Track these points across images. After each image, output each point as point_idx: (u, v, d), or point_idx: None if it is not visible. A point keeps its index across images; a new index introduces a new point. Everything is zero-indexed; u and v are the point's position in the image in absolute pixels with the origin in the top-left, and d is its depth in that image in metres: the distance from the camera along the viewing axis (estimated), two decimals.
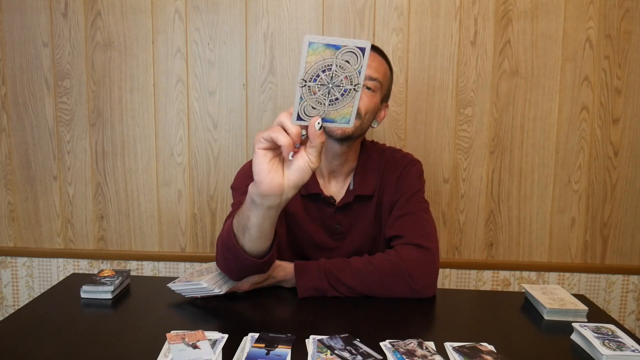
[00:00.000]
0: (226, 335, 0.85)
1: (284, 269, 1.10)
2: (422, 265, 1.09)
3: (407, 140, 1.66)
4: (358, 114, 1.13)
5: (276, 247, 0.98)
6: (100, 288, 1.04)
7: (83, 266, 1.77)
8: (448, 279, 1.72)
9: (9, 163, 1.72)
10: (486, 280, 1.71)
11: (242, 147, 1.68)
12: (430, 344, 0.84)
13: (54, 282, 1.68)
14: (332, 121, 0.75)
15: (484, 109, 1.63)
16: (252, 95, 1.66)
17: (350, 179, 1.24)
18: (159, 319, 0.97)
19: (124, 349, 0.84)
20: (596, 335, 0.85)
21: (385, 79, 1.20)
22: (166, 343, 0.82)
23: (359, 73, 0.71)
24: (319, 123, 0.74)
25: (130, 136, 1.69)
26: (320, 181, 1.23)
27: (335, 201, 1.22)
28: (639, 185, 1.65)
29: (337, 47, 0.68)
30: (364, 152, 1.26)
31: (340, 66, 0.70)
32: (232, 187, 1.25)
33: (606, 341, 0.83)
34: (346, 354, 0.79)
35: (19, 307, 1.28)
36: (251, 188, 0.83)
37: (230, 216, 1.03)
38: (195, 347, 0.79)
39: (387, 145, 1.34)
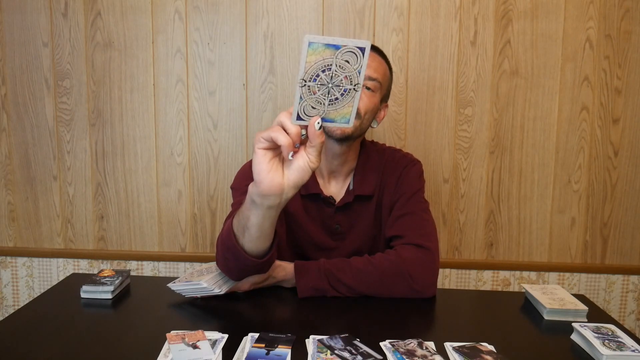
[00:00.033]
0: (226, 335, 0.85)
1: (284, 269, 1.10)
2: (422, 265, 1.09)
3: (407, 140, 1.66)
4: (358, 114, 1.13)
5: (276, 247, 0.98)
6: (100, 288, 1.04)
7: (83, 266, 1.77)
8: (448, 279, 1.72)
9: (9, 163, 1.72)
10: (486, 280, 1.71)
11: (242, 147, 1.68)
12: (430, 344, 0.84)
13: (54, 282, 1.68)
14: (331, 121, 0.75)
15: (484, 109, 1.63)
16: (252, 95, 1.66)
17: (350, 179, 1.24)
18: (159, 319, 0.97)
19: (124, 349, 0.84)
20: (596, 335, 0.85)
21: (384, 79, 1.20)
22: (166, 343, 0.82)
23: (359, 73, 0.71)
24: (318, 123, 0.74)
25: (130, 136, 1.69)
26: (320, 181, 1.23)
27: (335, 201, 1.22)
28: (639, 185, 1.65)
29: (337, 47, 0.68)
30: (364, 152, 1.26)
31: (340, 66, 0.70)
32: (232, 187, 1.25)
33: (606, 341, 0.83)
34: (346, 354, 0.79)
35: (19, 307, 1.28)
36: (251, 188, 0.83)
37: (230, 216, 1.03)
38: (195, 347, 0.79)
39: (387, 145, 1.34)
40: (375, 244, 1.24)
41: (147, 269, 1.75)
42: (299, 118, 0.73)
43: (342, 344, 0.83)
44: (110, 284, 1.05)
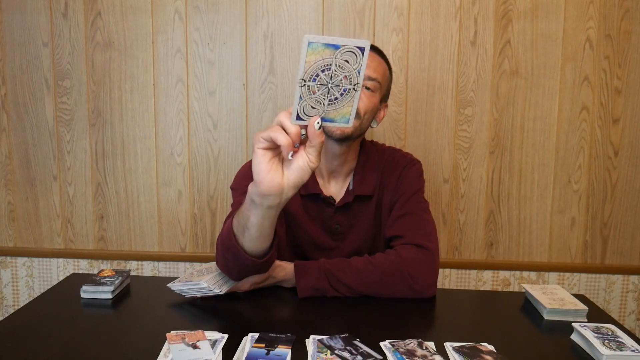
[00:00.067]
0: (226, 335, 0.85)
1: (284, 269, 1.10)
2: (422, 265, 1.09)
3: (407, 140, 1.66)
4: (357, 114, 1.13)
5: (276, 247, 0.98)
6: (100, 288, 1.04)
7: (83, 266, 1.77)
8: (448, 279, 1.72)
9: (9, 163, 1.72)
10: (486, 280, 1.71)
11: (242, 147, 1.68)
12: (430, 344, 0.84)
13: (54, 282, 1.68)
14: (331, 121, 0.75)
15: (484, 109, 1.63)
16: (252, 95, 1.66)
17: (349, 179, 1.24)
18: (159, 319, 0.97)
19: (124, 349, 0.84)
20: (596, 335, 0.85)
21: (384, 79, 1.20)
22: (166, 343, 0.82)
23: (359, 73, 0.71)
24: (318, 122, 0.74)
25: (130, 136, 1.69)
26: (320, 181, 1.23)
27: (334, 201, 1.22)
28: (639, 185, 1.65)
29: (336, 47, 0.68)
30: (364, 152, 1.26)
31: (339, 66, 0.70)
32: (231, 187, 1.25)
33: (606, 341, 0.83)
34: (346, 354, 0.79)
35: (19, 307, 1.28)
36: (251, 188, 0.83)
37: (230, 216, 1.03)
38: (195, 347, 0.79)
39: (387, 145, 1.34)
40: (375, 244, 1.24)
41: (147, 269, 1.76)
42: (298, 118, 0.73)
43: (342, 344, 0.83)
44: (110, 284, 1.05)
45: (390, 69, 1.24)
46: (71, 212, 1.73)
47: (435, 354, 0.80)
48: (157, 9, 1.64)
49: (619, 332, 0.87)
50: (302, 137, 0.76)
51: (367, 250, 1.22)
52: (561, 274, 1.70)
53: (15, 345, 0.84)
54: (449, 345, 0.84)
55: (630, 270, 1.68)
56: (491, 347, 0.83)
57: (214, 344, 0.81)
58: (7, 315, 1.13)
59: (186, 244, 1.73)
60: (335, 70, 0.70)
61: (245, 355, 0.78)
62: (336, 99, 0.73)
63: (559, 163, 1.65)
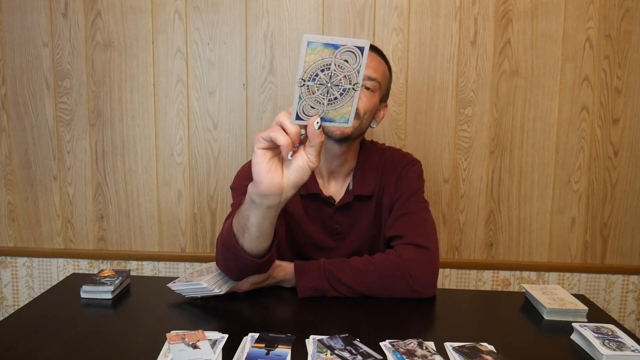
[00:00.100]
0: (226, 335, 0.85)
1: (284, 269, 1.10)
2: (422, 265, 1.09)
3: (407, 140, 1.66)
4: (357, 114, 1.13)
5: (276, 247, 0.98)
6: (100, 288, 1.04)
7: (83, 266, 1.77)
8: (448, 279, 1.72)
9: (9, 163, 1.73)
10: (486, 280, 1.71)
11: (242, 147, 1.68)
12: (430, 344, 0.84)
13: (54, 282, 1.68)
14: (331, 120, 0.75)
15: (484, 109, 1.63)
16: (252, 95, 1.66)
17: (349, 179, 1.24)
18: (159, 319, 0.97)
19: (124, 349, 0.84)
20: (596, 335, 0.85)
21: (384, 79, 1.20)
22: (166, 343, 0.82)
23: (358, 72, 0.71)
24: (317, 122, 0.74)
25: (130, 136, 1.69)
26: (320, 181, 1.23)
27: (334, 201, 1.22)
28: (639, 185, 1.65)
29: (335, 47, 0.68)
30: (363, 152, 1.26)
31: (339, 65, 0.70)
32: (231, 188, 1.25)
33: (606, 341, 0.83)
34: (346, 354, 0.79)
35: (19, 307, 1.28)
36: (250, 188, 0.83)
37: (230, 216, 1.03)
38: (195, 347, 0.79)
39: (387, 145, 1.34)
40: (375, 244, 1.24)
41: (147, 269, 1.76)
42: (298, 118, 0.73)
43: (342, 344, 0.83)
44: (110, 284, 1.05)
45: (389, 69, 1.24)
46: (71, 212, 1.74)
47: (435, 354, 0.80)
48: (157, 9, 1.64)
49: (619, 332, 0.87)
50: (302, 137, 0.76)
51: (367, 250, 1.22)
52: (561, 274, 1.70)
53: (15, 345, 0.84)
54: (449, 345, 0.84)
55: (630, 270, 1.68)
56: (491, 347, 0.83)
57: (214, 344, 0.81)
58: (7, 315, 1.13)
59: (186, 244, 1.73)
60: (334, 70, 0.70)
61: (245, 355, 0.78)
62: (335, 98, 0.73)
63: (559, 163, 1.65)
